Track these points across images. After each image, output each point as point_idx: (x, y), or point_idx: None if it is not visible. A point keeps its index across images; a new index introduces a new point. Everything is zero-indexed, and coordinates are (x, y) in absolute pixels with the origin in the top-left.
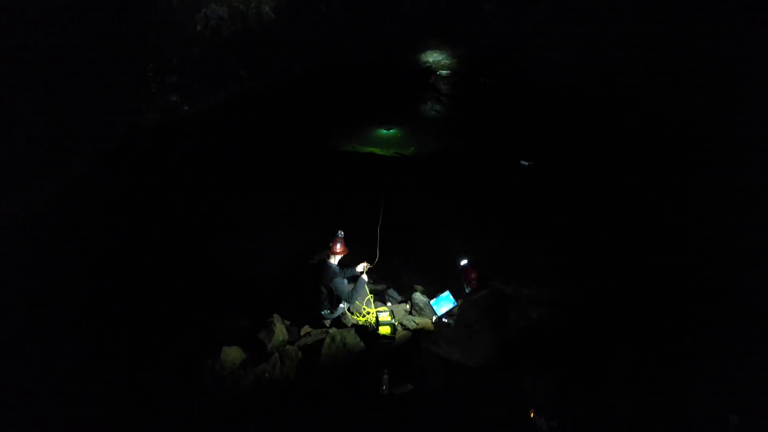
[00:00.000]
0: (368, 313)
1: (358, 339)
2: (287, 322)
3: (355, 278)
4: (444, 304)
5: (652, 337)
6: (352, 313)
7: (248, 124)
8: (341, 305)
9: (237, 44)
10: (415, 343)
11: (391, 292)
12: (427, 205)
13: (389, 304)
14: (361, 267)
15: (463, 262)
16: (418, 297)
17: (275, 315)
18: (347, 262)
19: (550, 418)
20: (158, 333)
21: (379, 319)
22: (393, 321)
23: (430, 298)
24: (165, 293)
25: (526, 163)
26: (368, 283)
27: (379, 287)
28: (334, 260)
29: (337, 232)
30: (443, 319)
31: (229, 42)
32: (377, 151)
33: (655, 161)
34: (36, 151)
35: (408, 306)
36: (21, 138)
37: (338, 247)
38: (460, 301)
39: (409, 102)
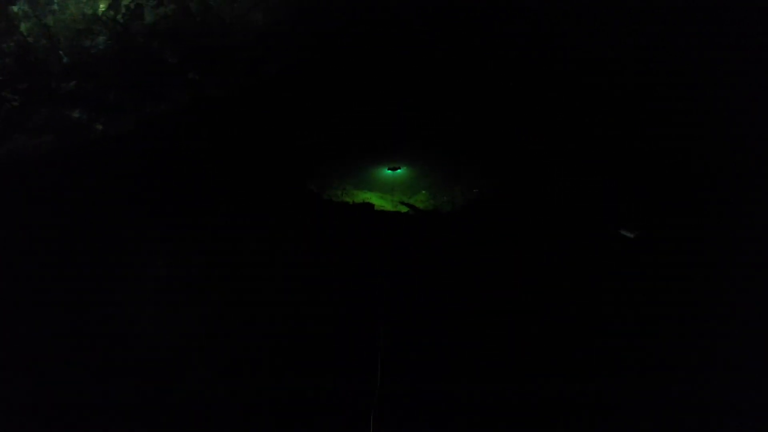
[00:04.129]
0: None
1: None
2: None
3: None
4: None
5: None
6: None
7: (191, 148)
8: None
9: (169, 32)
10: None
11: None
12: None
13: None
14: None
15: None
16: None
17: None
18: None
19: None
20: None
21: None
22: None
23: None
24: None
25: (631, 235)
26: None
27: None
28: None
29: None
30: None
31: (156, 29)
32: (375, 200)
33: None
34: None
35: None
36: None
37: None
38: None
39: (420, 122)
